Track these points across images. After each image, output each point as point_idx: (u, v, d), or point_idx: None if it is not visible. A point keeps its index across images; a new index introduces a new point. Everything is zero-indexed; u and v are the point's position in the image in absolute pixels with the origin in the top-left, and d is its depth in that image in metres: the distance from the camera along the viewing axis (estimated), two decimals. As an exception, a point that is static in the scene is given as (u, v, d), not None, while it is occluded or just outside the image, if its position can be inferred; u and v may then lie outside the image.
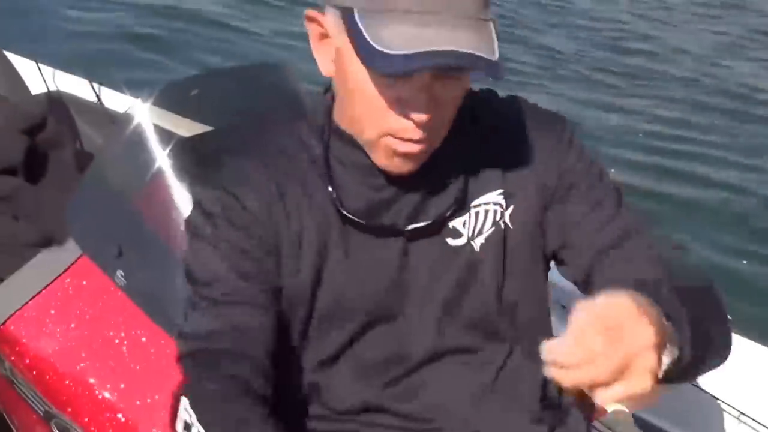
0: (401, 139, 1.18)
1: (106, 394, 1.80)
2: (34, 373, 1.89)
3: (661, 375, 0.97)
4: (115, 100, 2.72)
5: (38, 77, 2.80)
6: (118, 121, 2.07)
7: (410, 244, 1.31)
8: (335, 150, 1.29)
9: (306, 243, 1.29)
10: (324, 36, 1.20)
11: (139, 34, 6.72)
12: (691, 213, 5.08)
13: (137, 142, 1.92)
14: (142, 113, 1.91)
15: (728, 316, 1.28)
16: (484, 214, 1.32)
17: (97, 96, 2.66)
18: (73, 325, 1.88)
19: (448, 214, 1.30)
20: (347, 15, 1.11)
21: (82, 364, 1.83)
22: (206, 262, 1.27)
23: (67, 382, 1.84)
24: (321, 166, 1.29)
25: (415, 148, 1.20)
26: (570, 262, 1.35)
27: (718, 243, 4.77)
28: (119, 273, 1.87)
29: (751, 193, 5.43)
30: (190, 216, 1.32)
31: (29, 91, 2.58)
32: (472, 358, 1.36)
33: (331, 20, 1.16)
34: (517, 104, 1.38)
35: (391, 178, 1.27)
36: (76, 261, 1.94)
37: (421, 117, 1.15)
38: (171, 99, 1.97)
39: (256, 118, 1.51)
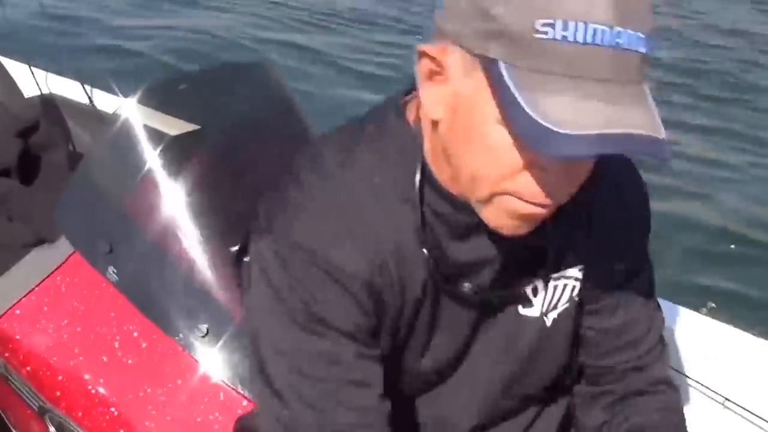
0: (526, 201, 1.02)
1: (99, 389, 1.81)
2: (28, 368, 1.90)
3: None
4: (108, 102, 2.74)
5: (31, 80, 2.81)
6: (106, 121, 2.09)
7: (484, 306, 1.23)
8: (430, 201, 1.13)
9: (405, 314, 1.19)
10: (436, 74, 1.02)
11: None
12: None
13: (125, 140, 1.93)
14: (130, 111, 1.93)
15: None
16: (562, 288, 1.24)
17: (89, 98, 2.67)
18: (65, 321, 1.89)
19: (533, 284, 1.21)
20: (489, 65, 0.94)
21: (75, 360, 1.85)
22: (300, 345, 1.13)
23: (60, 378, 1.85)
24: (415, 220, 1.13)
25: (540, 211, 1.04)
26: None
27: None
28: (111, 269, 1.88)
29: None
30: (261, 286, 1.14)
31: (22, 95, 2.60)
32: (513, 421, 1.36)
33: (456, 62, 0.98)
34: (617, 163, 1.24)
35: (487, 240, 1.14)
36: (67, 258, 1.95)
37: (561, 186, 1.01)
38: (158, 97, 1.99)
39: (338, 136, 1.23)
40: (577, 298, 1.26)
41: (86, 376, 1.83)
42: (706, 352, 1.91)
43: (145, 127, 1.93)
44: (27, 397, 1.93)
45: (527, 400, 1.35)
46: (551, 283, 1.23)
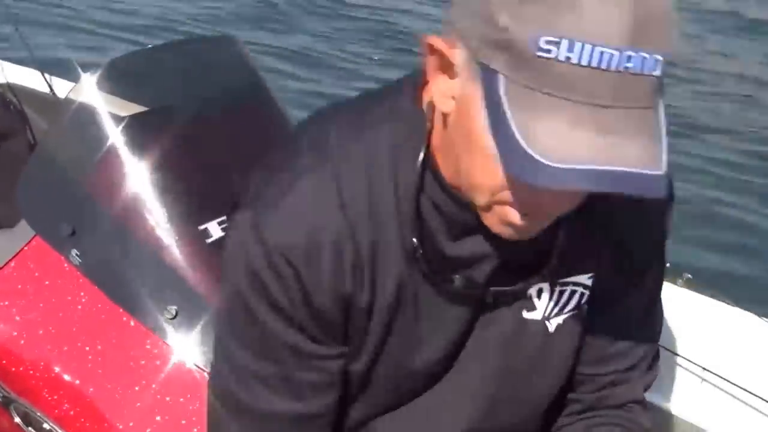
0: (521, 213, 0.98)
1: (65, 376, 1.75)
2: (-10, 359, 1.84)
3: None
4: (68, 90, 2.67)
5: (-13, 70, 2.75)
6: (61, 102, 2.02)
7: (482, 305, 1.17)
8: (429, 191, 1.08)
9: (378, 309, 1.14)
10: (448, 69, 0.96)
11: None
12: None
13: (83, 119, 1.87)
14: (86, 89, 1.87)
15: None
16: (569, 295, 1.19)
17: (50, 86, 2.60)
18: (28, 308, 1.83)
19: (535, 284, 1.15)
20: (488, 75, 0.88)
21: (38, 348, 1.79)
22: (257, 335, 1.14)
23: (24, 367, 1.80)
24: (408, 206, 1.09)
25: (536, 226, 1.02)
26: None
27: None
28: (74, 252, 1.82)
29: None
30: (229, 261, 1.13)
31: (-23, 84, 2.54)
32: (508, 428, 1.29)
33: (464, 60, 0.92)
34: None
35: (486, 237, 1.08)
36: (28, 243, 1.88)
37: (557, 202, 0.97)
38: (116, 75, 1.92)
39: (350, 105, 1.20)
40: (585, 307, 1.20)
41: (51, 364, 1.77)
42: (683, 322, 1.89)
43: (103, 106, 1.87)
44: (-10, 388, 1.86)
45: (524, 414, 1.28)
46: (558, 288, 1.17)
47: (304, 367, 1.15)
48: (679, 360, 1.78)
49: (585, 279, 1.18)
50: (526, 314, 1.18)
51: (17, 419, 1.83)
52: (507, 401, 1.25)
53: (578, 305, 1.19)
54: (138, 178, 1.82)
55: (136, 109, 1.95)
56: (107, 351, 1.75)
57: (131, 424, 1.68)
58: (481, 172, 0.95)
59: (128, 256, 1.81)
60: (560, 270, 1.16)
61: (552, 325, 1.20)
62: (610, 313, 1.23)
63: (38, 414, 1.78)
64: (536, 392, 1.26)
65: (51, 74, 2.71)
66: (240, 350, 1.16)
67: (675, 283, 2.00)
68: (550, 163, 0.82)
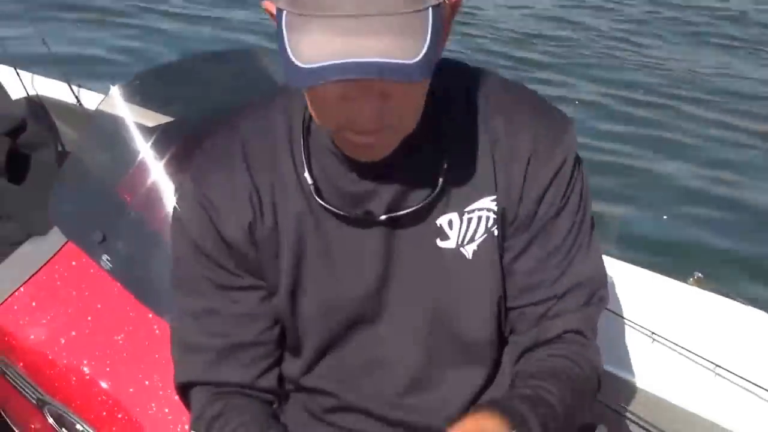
0: (356, 131, 1.12)
1: (97, 378, 1.81)
2: (25, 361, 1.90)
3: None
4: (95, 101, 2.74)
5: (17, 83, 2.82)
6: (91, 114, 2.09)
7: (395, 238, 1.26)
8: (316, 134, 1.24)
9: (284, 245, 1.27)
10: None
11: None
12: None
13: (112, 131, 1.95)
14: (115, 103, 1.94)
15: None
16: (477, 221, 1.26)
17: (77, 98, 2.68)
18: (61, 312, 1.90)
19: (429, 200, 1.23)
20: (279, 14, 1.04)
21: (71, 350, 1.85)
22: (186, 274, 1.33)
23: (57, 369, 1.86)
24: (298, 147, 1.25)
25: (372, 139, 1.13)
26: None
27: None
28: (105, 257, 1.89)
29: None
30: (172, 219, 1.35)
31: (8, 95, 2.61)
32: (456, 369, 1.33)
33: (277, 13, 1.07)
34: (527, 99, 1.30)
35: (370, 168, 1.21)
36: (60, 249, 1.96)
37: (363, 112, 1.08)
38: (142, 89, 1.99)
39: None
40: (495, 231, 1.26)
41: (83, 366, 1.83)
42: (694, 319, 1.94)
43: (131, 117, 1.94)
44: (25, 390, 1.92)
45: (467, 351, 1.33)
46: (466, 216, 1.26)
47: (226, 299, 1.31)
48: (691, 356, 1.83)
49: (488, 202, 1.25)
50: (440, 243, 1.26)
51: (51, 420, 1.88)
52: (445, 342, 1.30)
53: (487, 229, 1.26)
54: (165, 186, 1.88)
55: (164, 119, 2.02)
56: (137, 353, 1.81)
57: (162, 424, 1.73)
58: (313, 104, 1.12)
59: (157, 260, 1.87)
60: (462, 197, 1.25)
61: (468, 252, 1.27)
62: (525, 239, 1.28)
63: (71, 415, 1.84)
64: (471, 328, 1.30)
65: (77, 85, 2.79)
66: (176, 291, 1.36)
67: (686, 281, 2.05)
68: (305, 65, 0.99)
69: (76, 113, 2.64)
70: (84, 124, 2.54)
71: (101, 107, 1.99)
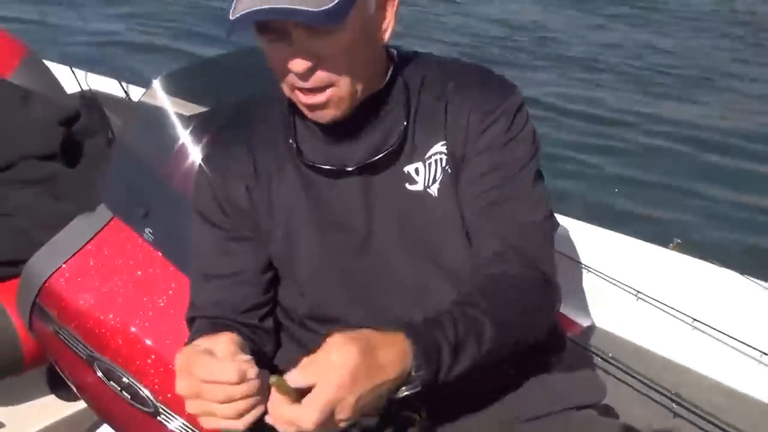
0: (302, 91, 1.32)
1: (141, 336, 2.00)
2: (77, 322, 2.09)
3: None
4: (140, 94, 2.96)
5: (73, 80, 3.06)
6: (135, 104, 2.30)
7: (372, 186, 1.44)
8: (298, 108, 1.42)
9: (277, 204, 1.48)
10: None
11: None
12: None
13: (153, 119, 2.14)
14: (156, 95, 2.14)
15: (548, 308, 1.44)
16: (435, 163, 1.44)
17: (126, 92, 2.90)
18: (108, 278, 2.09)
19: (394, 149, 1.41)
20: None
21: (117, 311, 2.04)
22: (196, 241, 1.55)
23: (105, 328, 2.04)
24: (286, 119, 1.48)
25: (318, 98, 1.33)
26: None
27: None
28: (147, 230, 2.09)
29: None
30: (193, 197, 1.57)
31: (63, 89, 2.82)
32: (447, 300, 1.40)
33: None
34: (478, 71, 1.50)
35: (333, 129, 1.41)
36: (108, 223, 2.15)
37: (297, 67, 1.28)
38: (180, 82, 2.19)
39: None
40: (449, 170, 1.43)
41: (129, 327, 2.03)
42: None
43: (171, 107, 2.13)
44: (76, 348, 2.11)
45: (457, 280, 1.44)
46: (427, 162, 1.44)
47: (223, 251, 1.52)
48: (671, 311, 2.02)
49: (440, 147, 1.44)
50: (409, 187, 1.44)
51: (100, 374, 2.06)
52: (429, 275, 1.45)
53: (443, 168, 1.44)
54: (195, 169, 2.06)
55: (200, 109, 2.23)
56: (176, 314, 1.98)
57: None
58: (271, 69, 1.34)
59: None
60: (422, 148, 1.44)
61: (434, 191, 1.44)
62: (469, 177, 1.43)
63: (118, 369, 2.02)
64: (452, 257, 1.45)
65: (126, 81, 3.02)
66: (192, 253, 1.57)
67: (667, 247, 2.23)
68: (231, 17, 1.23)
69: (125, 105, 2.84)
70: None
71: (143, 98, 2.17)
